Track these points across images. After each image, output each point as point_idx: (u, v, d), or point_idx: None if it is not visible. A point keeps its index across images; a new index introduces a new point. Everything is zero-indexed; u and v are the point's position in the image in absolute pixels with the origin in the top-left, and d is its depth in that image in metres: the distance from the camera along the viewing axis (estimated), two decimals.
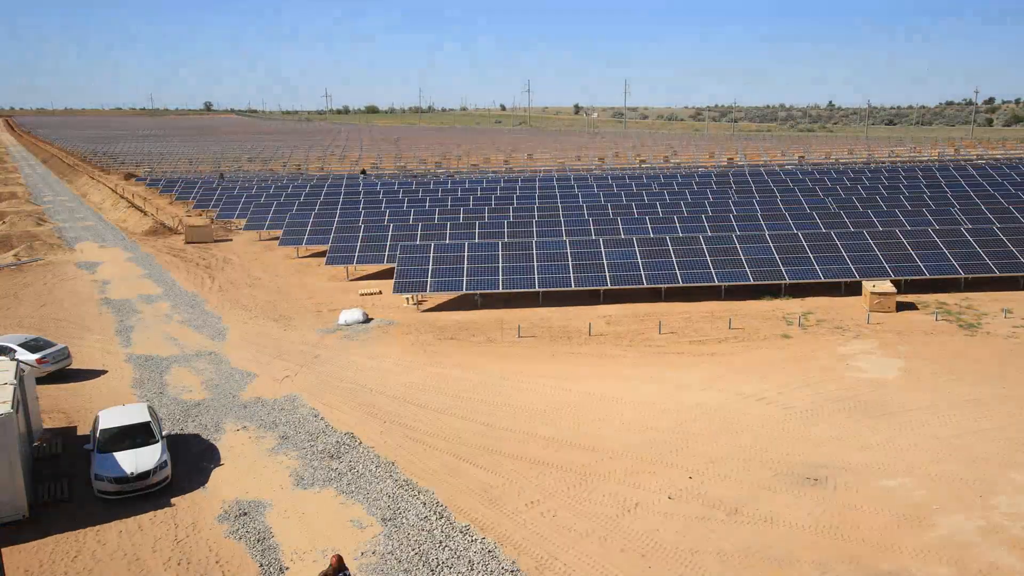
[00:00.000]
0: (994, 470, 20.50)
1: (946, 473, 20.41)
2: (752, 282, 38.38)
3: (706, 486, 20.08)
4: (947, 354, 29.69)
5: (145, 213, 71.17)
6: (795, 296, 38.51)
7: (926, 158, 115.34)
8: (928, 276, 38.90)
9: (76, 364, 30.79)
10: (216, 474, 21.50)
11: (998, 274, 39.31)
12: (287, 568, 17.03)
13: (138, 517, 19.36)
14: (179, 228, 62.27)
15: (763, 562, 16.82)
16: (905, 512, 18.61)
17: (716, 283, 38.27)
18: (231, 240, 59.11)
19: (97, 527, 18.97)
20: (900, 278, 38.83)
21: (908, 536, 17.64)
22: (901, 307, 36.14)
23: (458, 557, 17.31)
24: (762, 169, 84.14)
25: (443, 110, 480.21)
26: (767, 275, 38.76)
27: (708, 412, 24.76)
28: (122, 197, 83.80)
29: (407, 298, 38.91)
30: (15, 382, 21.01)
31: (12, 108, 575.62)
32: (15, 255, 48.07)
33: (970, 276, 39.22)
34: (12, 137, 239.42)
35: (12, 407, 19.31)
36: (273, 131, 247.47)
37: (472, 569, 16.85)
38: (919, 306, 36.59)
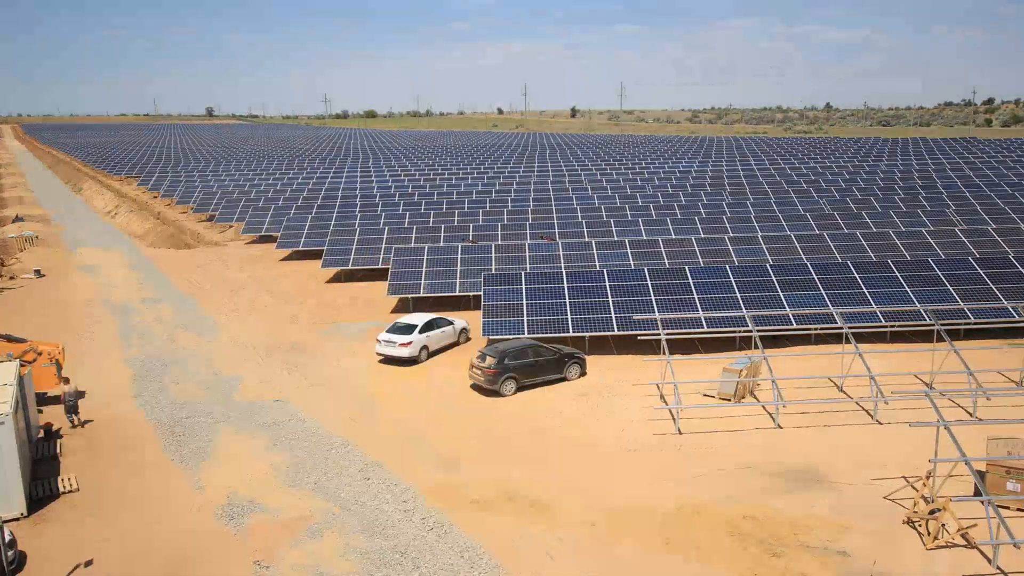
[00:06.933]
0: None
1: None
2: None
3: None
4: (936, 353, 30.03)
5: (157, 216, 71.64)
6: None
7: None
8: None
9: (76, 366, 31.17)
10: (212, 473, 21.89)
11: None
12: (268, 565, 17.41)
13: (137, 516, 19.76)
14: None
15: None
16: None
17: None
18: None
19: (91, 523, 19.38)
20: None
21: None
22: None
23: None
24: (757, 171, 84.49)
25: (441, 114, 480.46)
26: None
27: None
28: (124, 200, 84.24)
29: None
30: (15, 383, 21.40)
31: (20, 115, 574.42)
32: (36, 271, 49.60)
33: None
34: (19, 143, 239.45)
35: (12, 408, 19.69)
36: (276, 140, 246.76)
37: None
38: None
